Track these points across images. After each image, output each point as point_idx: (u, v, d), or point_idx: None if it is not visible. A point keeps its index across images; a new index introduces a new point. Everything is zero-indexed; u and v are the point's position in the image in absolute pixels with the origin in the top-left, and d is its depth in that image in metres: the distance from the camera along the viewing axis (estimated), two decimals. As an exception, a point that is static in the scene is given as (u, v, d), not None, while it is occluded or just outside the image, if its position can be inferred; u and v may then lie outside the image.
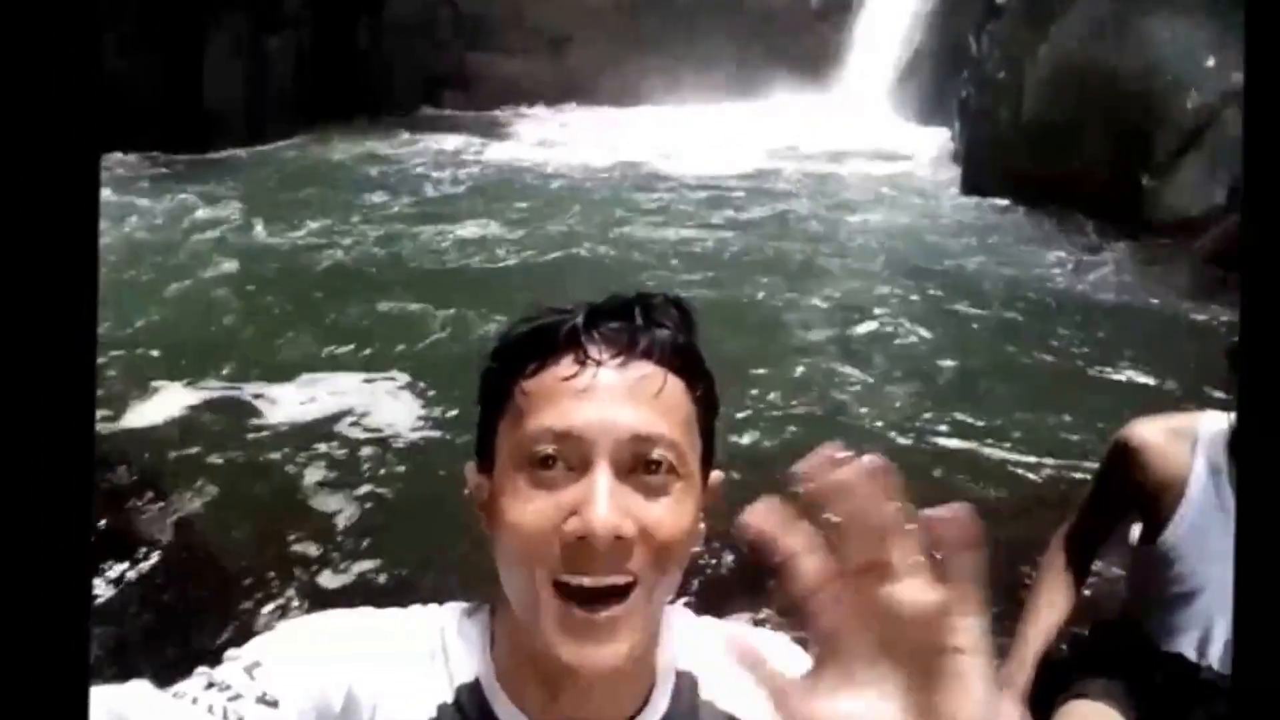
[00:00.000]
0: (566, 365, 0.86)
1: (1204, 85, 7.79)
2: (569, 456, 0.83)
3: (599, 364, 0.85)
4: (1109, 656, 2.03)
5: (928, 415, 5.02)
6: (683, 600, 0.96)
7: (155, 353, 5.54)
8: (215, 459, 4.41)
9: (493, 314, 5.99)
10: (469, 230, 8.26)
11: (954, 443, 4.72)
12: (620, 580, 0.82)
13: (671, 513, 0.84)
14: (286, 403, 4.98)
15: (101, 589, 3.34)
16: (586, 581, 0.81)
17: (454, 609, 0.95)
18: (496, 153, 11.64)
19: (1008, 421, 4.91)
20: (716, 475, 0.93)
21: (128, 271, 6.83)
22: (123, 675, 0.79)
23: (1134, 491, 1.94)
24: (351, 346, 5.76)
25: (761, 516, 0.53)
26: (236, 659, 0.85)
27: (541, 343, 0.87)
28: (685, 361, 0.89)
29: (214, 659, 0.86)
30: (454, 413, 4.81)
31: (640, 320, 0.88)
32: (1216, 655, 1.86)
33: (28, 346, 0.32)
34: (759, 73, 14.03)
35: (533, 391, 0.86)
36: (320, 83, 12.24)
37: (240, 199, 9.07)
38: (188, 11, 10.59)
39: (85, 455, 0.33)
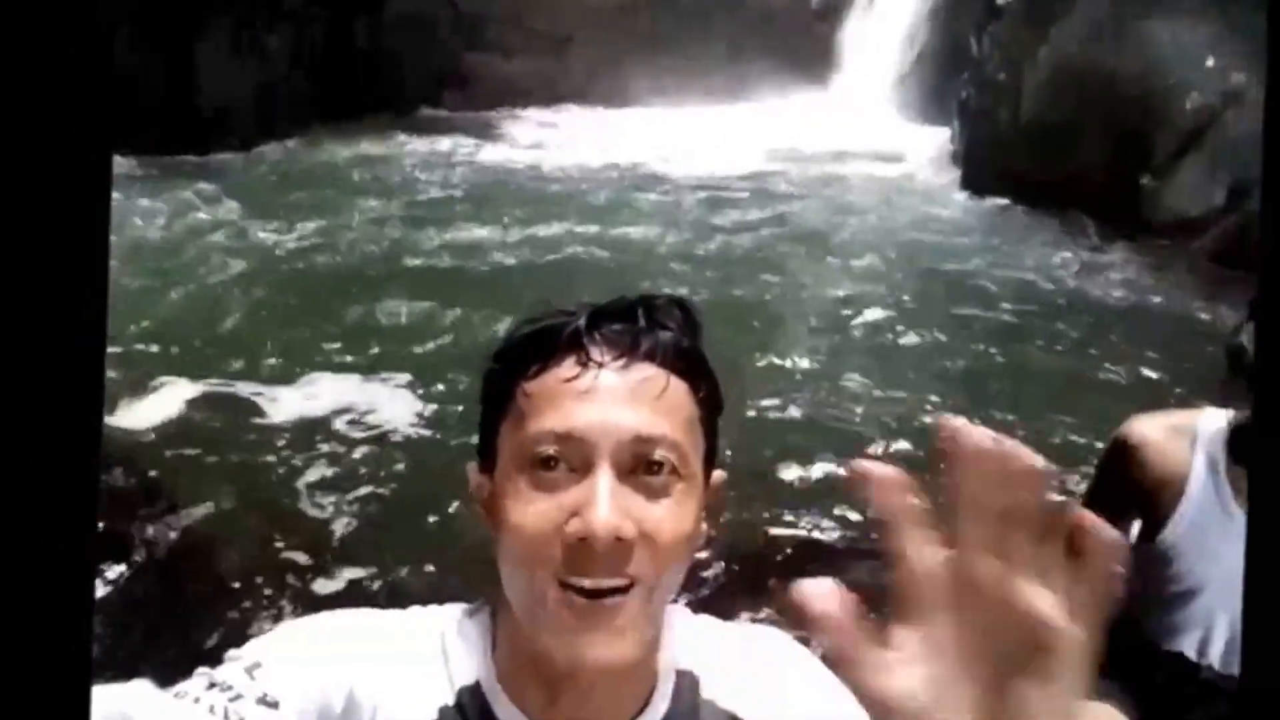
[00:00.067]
0: (568, 367, 0.86)
1: (1204, 86, 7.81)
2: (570, 458, 0.83)
3: (601, 366, 0.85)
4: (1108, 655, 2.03)
5: (930, 417, 5.02)
6: (683, 600, 0.95)
7: (154, 350, 5.54)
8: (213, 459, 4.41)
9: (494, 315, 5.99)
10: (468, 231, 8.26)
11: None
12: (620, 582, 0.82)
13: (673, 514, 0.84)
14: (286, 403, 4.99)
15: (100, 589, 3.34)
16: (587, 583, 0.81)
17: (455, 610, 0.95)
18: (495, 154, 11.63)
19: (1013, 423, 4.91)
20: (718, 476, 0.93)
21: (126, 272, 6.82)
22: (121, 675, 0.79)
23: (1133, 489, 1.94)
24: (351, 347, 5.76)
25: (883, 470, 0.50)
26: (237, 659, 0.85)
27: (544, 344, 0.87)
28: (688, 363, 0.89)
29: (214, 659, 0.86)
30: (455, 412, 4.81)
31: (643, 322, 0.88)
32: (1217, 655, 1.86)
33: (35, 346, 0.32)
34: (759, 73, 14.02)
35: (534, 393, 0.86)
36: (319, 83, 12.23)
37: (238, 199, 9.06)
38: (185, 12, 10.58)
39: (91, 455, 0.33)
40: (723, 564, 3.54)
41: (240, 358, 5.52)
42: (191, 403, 4.94)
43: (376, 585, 3.60)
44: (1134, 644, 1.99)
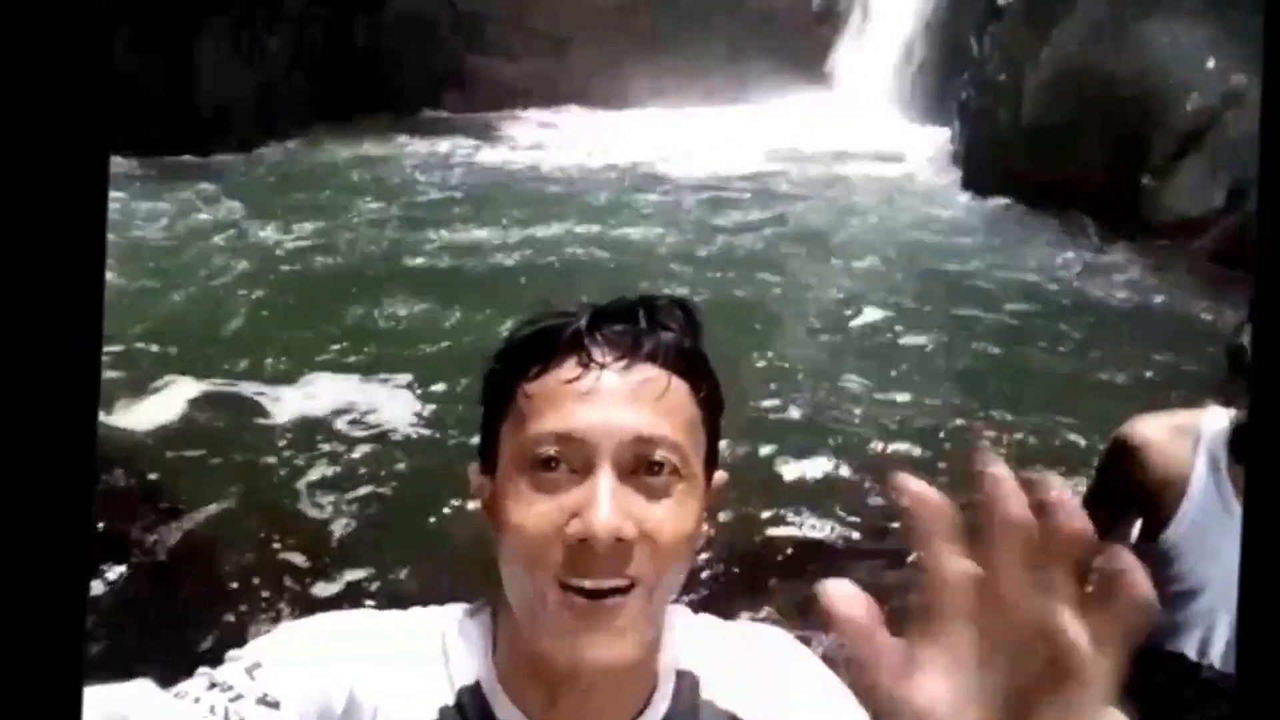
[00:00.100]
0: (569, 368, 0.86)
1: (1203, 87, 7.81)
2: (571, 459, 0.83)
3: (602, 367, 0.85)
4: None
5: (932, 418, 5.02)
6: (684, 600, 0.95)
7: (154, 350, 5.55)
8: (213, 459, 4.41)
9: (495, 316, 6.00)
10: (468, 232, 8.26)
11: (963, 443, 4.73)
12: (621, 583, 0.82)
13: (673, 515, 0.84)
14: (287, 404, 4.99)
15: (100, 589, 3.34)
16: (587, 584, 0.81)
17: (456, 610, 0.95)
18: (495, 155, 11.64)
19: (1016, 423, 4.92)
20: (720, 476, 0.93)
21: (126, 272, 6.83)
22: (121, 675, 0.79)
23: (1134, 490, 1.94)
24: (351, 347, 5.76)
25: (918, 485, 0.50)
26: (238, 659, 0.85)
27: (544, 345, 0.87)
28: (690, 364, 0.89)
29: (214, 659, 0.86)
30: (455, 412, 4.81)
31: (644, 323, 0.88)
32: (1218, 654, 1.86)
33: (32, 346, 0.32)
34: (759, 74, 14.02)
35: (535, 394, 0.86)
36: (319, 84, 12.23)
37: (238, 200, 9.07)
38: (185, 12, 10.59)
39: (87, 456, 0.33)
40: (722, 564, 3.54)
41: (241, 358, 5.53)
42: (192, 403, 4.95)
43: (376, 585, 3.60)
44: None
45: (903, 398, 5.28)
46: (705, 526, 0.90)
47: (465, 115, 13.32)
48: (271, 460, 4.46)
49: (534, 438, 0.84)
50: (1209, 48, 7.87)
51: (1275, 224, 0.39)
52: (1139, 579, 0.46)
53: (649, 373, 0.86)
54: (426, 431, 4.79)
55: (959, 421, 4.97)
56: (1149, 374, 5.66)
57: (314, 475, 4.32)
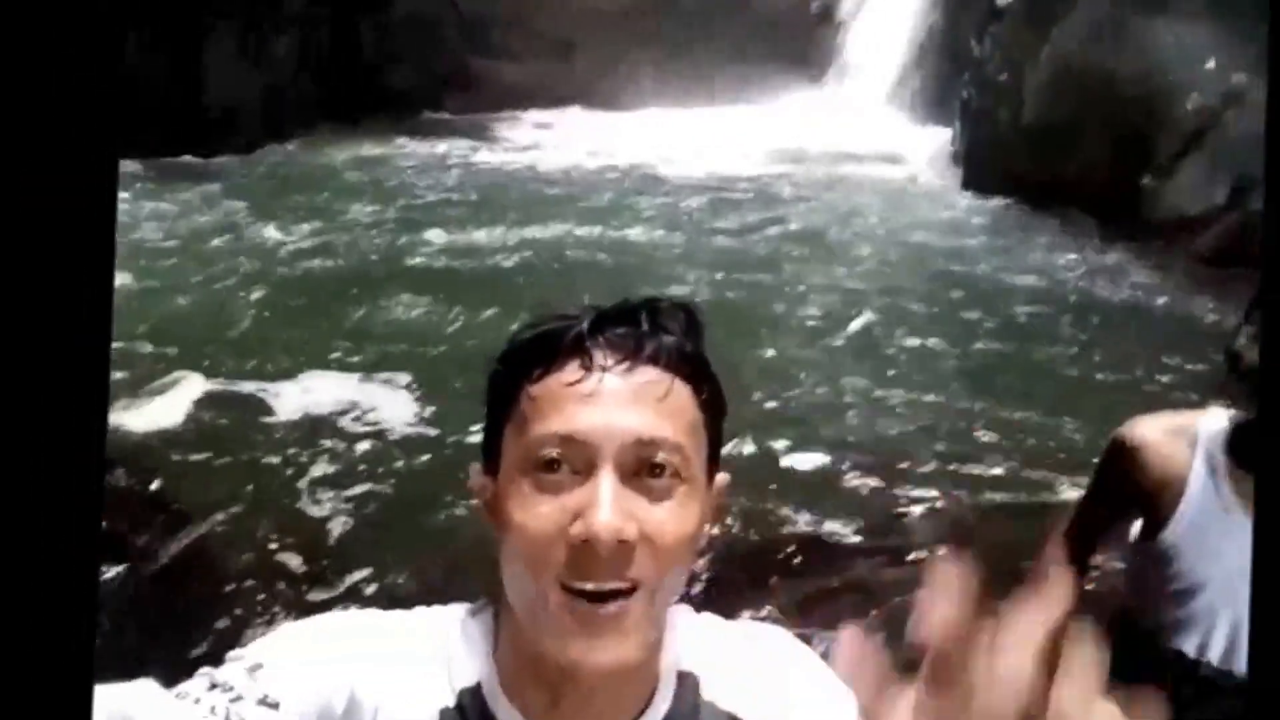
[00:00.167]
0: (572, 370, 0.86)
1: (1204, 87, 7.81)
2: (573, 460, 0.84)
3: (604, 369, 0.86)
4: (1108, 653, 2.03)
5: (934, 417, 5.02)
6: (685, 598, 0.95)
7: (155, 350, 5.55)
8: (213, 459, 4.42)
9: (498, 317, 6.01)
10: (470, 234, 8.26)
11: (963, 443, 4.73)
12: (622, 585, 0.82)
13: (675, 516, 0.85)
14: (288, 404, 4.99)
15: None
16: (589, 586, 0.82)
17: (457, 611, 0.95)
18: (498, 156, 11.64)
19: (1019, 421, 4.92)
20: (722, 478, 0.93)
21: (128, 273, 6.83)
22: (121, 675, 0.80)
23: (1133, 490, 1.94)
24: (352, 348, 5.77)
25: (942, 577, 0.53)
26: (239, 660, 0.86)
27: (547, 348, 0.88)
28: (692, 367, 0.89)
29: (214, 660, 0.86)
30: (455, 413, 4.81)
31: (646, 325, 0.89)
32: (1217, 653, 1.86)
33: (41, 348, 0.33)
34: (761, 76, 14.02)
35: (538, 396, 0.86)
36: (322, 86, 12.24)
37: (241, 201, 9.08)
38: (189, 14, 10.59)
39: (96, 456, 0.33)
40: (724, 563, 3.54)
41: (242, 358, 5.53)
42: (194, 403, 4.95)
43: (381, 583, 3.60)
44: (1134, 640, 1.99)
45: (904, 397, 5.28)
46: (707, 528, 0.91)
47: (468, 117, 13.33)
48: (274, 460, 4.46)
49: (536, 439, 0.85)
50: (1209, 47, 7.87)
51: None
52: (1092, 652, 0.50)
53: (651, 375, 0.86)
54: (425, 431, 4.79)
55: (961, 422, 4.97)
56: (1152, 374, 5.65)
57: (316, 473, 4.33)
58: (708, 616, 1.01)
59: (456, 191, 9.97)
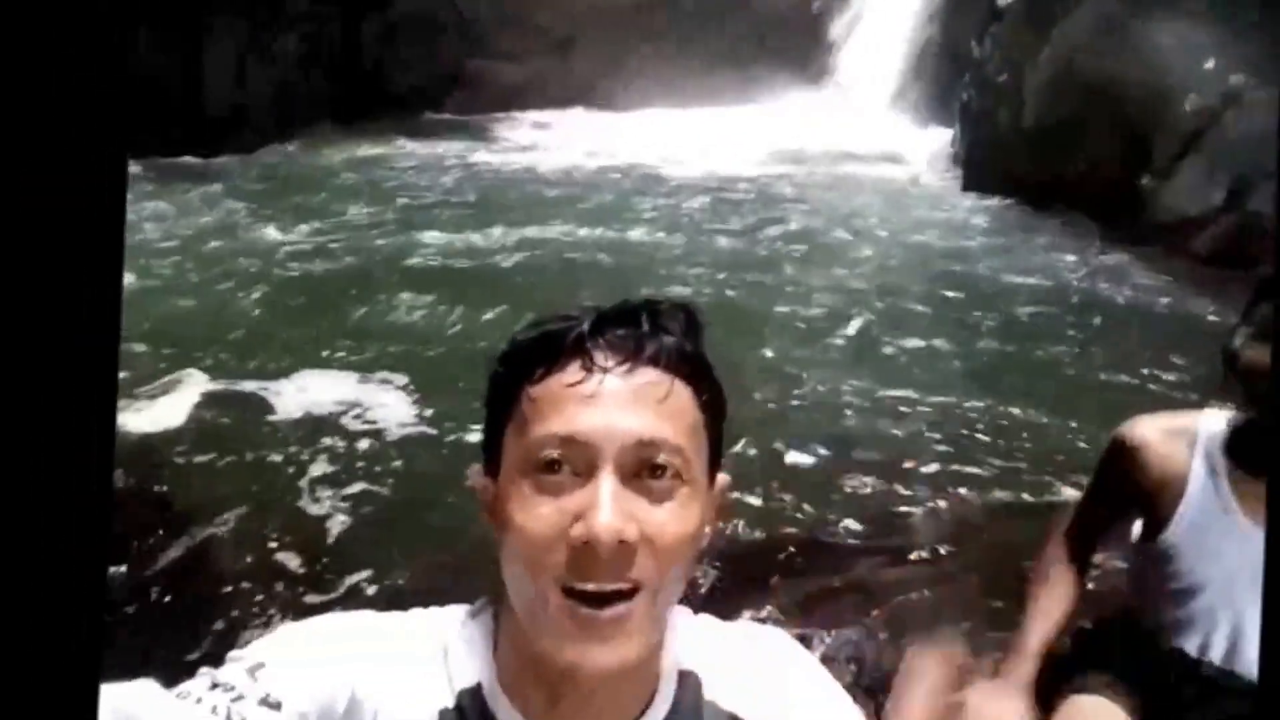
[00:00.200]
0: (573, 371, 0.86)
1: (1204, 88, 7.81)
2: (574, 462, 0.84)
3: (605, 370, 0.86)
4: (1110, 652, 2.04)
5: (936, 417, 5.02)
6: (685, 599, 0.96)
7: (155, 350, 5.55)
8: (215, 460, 4.42)
9: (498, 316, 6.01)
10: (471, 234, 8.26)
11: (965, 443, 4.73)
12: (623, 586, 0.82)
13: (676, 517, 0.85)
14: (289, 404, 5.00)
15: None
16: (590, 587, 0.82)
17: (457, 611, 0.96)
18: (499, 157, 11.64)
19: (1020, 421, 4.92)
20: (723, 479, 0.93)
21: (130, 273, 6.83)
22: (123, 674, 0.80)
23: (1132, 490, 1.94)
24: (353, 348, 5.77)
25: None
26: (239, 660, 0.86)
27: (548, 349, 0.88)
28: (692, 368, 0.90)
29: (216, 660, 0.86)
30: (456, 414, 4.82)
31: (647, 326, 0.89)
32: (1218, 653, 1.87)
33: (50, 346, 0.33)
34: (762, 75, 14.02)
35: (539, 397, 0.86)
36: (323, 86, 12.24)
37: (238, 202, 9.08)
38: (191, 15, 10.59)
39: (104, 456, 0.33)
40: (724, 563, 3.53)
41: (243, 358, 5.53)
42: (195, 404, 4.95)
43: (382, 584, 3.60)
44: (1135, 640, 1.99)
45: (905, 397, 5.28)
46: (708, 529, 0.91)
47: (469, 117, 13.33)
48: (277, 458, 4.47)
49: (537, 440, 0.85)
50: (1209, 48, 7.87)
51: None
52: None
53: (651, 376, 0.87)
54: (424, 430, 4.79)
55: (963, 422, 4.97)
56: (1153, 373, 5.65)
57: (316, 472, 4.34)
58: (706, 618, 1.01)
59: (456, 192, 9.96)
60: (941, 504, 4.12)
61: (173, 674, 0.86)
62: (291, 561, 3.71)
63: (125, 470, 4.12)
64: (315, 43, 12.25)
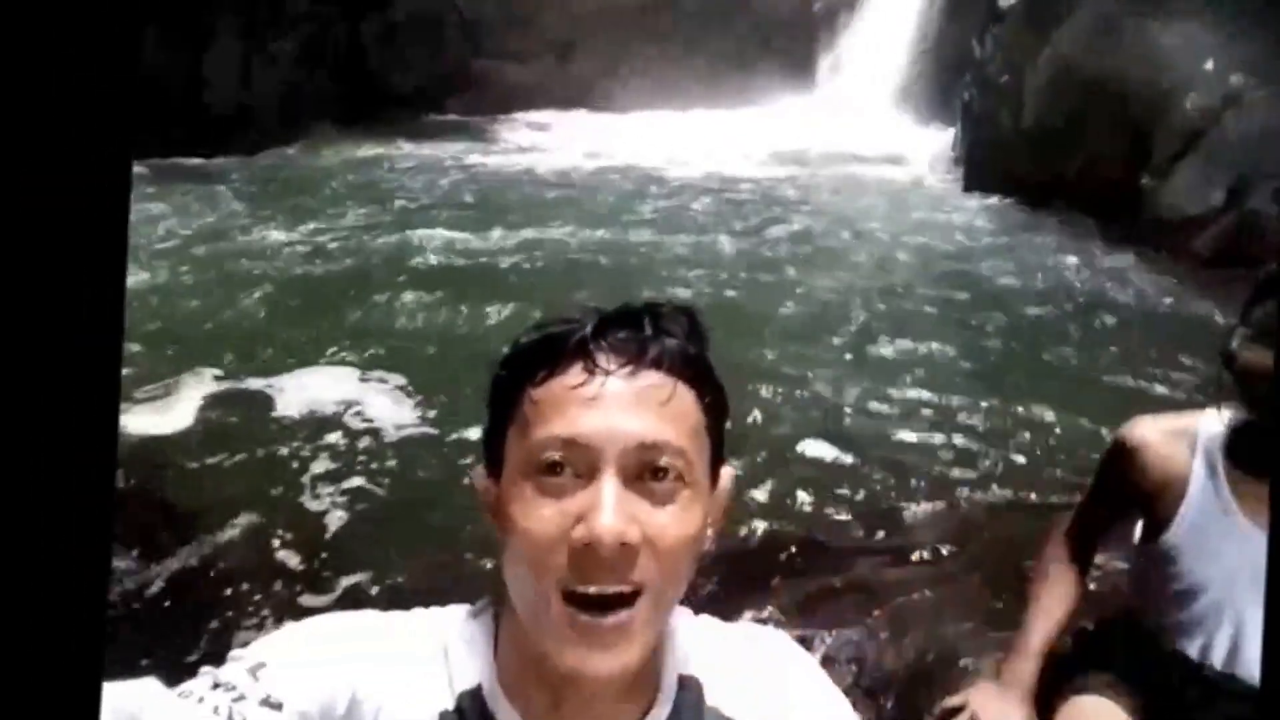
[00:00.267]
0: (575, 374, 0.86)
1: (1204, 88, 7.81)
2: (576, 464, 0.84)
3: (607, 373, 0.86)
4: (1112, 653, 2.04)
5: (939, 417, 5.02)
6: (686, 600, 0.96)
7: (155, 351, 5.55)
8: (221, 460, 4.42)
9: (499, 317, 6.00)
10: (472, 235, 8.26)
11: (967, 442, 4.73)
12: (625, 589, 0.82)
13: (678, 520, 0.85)
14: (289, 404, 5.00)
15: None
16: (592, 590, 0.82)
17: (458, 612, 0.96)
18: (499, 158, 11.64)
19: (1025, 421, 4.92)
20: (725, 481, 0.93)
21: (130, 273, 6.83)
22: (125, 673, 0.80)
23: (1133, 491, 1.94)
24: (353, 348, 5.77)
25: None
26: (240, 660, 0.86)
27: (550, 351, 0.88)
28: (694, 370, 0.90)
29: (217, 659, 0.86)
30: (455, 414, 4.82)
31: (649, 329, 0.89)
32: (1220, 655, 1.86)
33: (54, 345, 0.33)
34: (763, 77, 14.03)
35: (541, 399, 0.87)
36: (325, 87, 12.25)
37: (243, 203, 9.08)
38: (193, 16, 10.60)
39: (107, 455, 0.33)
40: (725, 563, 3.53)
41: (243, 358, 5.54)
42: (197, 404, 4.96)
43: (385, 583, 3.60)
44: (1136, 641, 1.99)
45: (907, 396, 5.28)
46: (710, 531, 0.91)
47: (471, 119, 13.33)
48: (279, 456, 4.47)
49: (539, 442, 0.85)
50: (1208, 48, 7.87)
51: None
52: None
53: (653, 379, 0.87)
54: (424, 430, 4.79)
55: (965, 422, 4.97)
56: (1157, 374, 5.65)
57: (318, 469, 4.34)
58: (706, 619, 1.01)
59: (457, 193, 9.96)
60: (943, 504, 4.12)
61: (174, 673, 0.86)
62: (291, 560, 3.71)
63: (126, 471, 4.12)
64: (317, 44, 12.26)
